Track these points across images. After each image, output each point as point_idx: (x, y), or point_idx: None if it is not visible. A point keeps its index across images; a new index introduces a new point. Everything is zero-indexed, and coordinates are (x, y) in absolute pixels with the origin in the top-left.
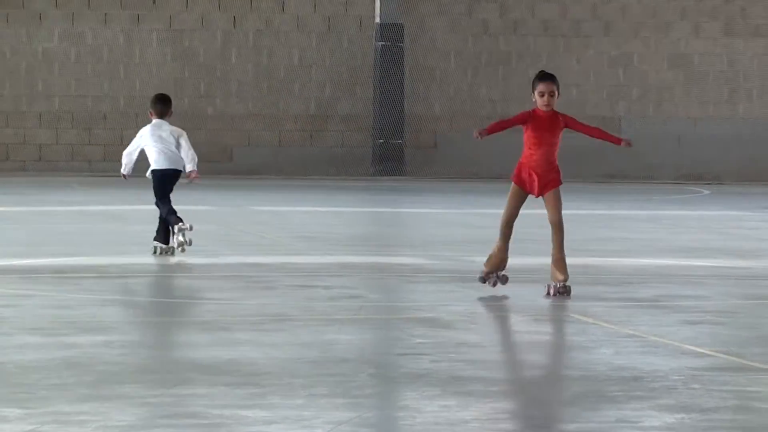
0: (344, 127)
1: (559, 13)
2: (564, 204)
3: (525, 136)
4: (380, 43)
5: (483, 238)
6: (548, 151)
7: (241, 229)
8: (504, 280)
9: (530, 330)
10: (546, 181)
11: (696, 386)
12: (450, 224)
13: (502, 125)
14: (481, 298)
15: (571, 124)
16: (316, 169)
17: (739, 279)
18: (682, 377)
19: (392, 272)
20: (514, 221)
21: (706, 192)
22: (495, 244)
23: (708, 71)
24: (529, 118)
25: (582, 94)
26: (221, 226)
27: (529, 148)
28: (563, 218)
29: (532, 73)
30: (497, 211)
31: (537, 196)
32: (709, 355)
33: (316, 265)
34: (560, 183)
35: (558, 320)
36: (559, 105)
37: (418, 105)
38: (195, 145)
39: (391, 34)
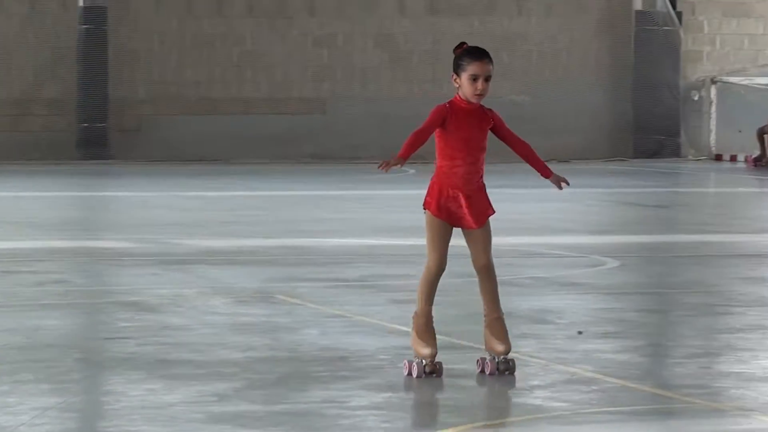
0: (48, 111)
1: None
2: (270, 185)
3: (440, 141)
4: (84, 26)
5: (187, 221)
6: (478, 160)
7: None
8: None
9: (236, 312)
10: (478, 207)
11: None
12: (154, 207)
13: (420, 138)
14: (185, 281)
15: (500, 127)
16: (20, 154)
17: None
18: (388, 356)
19: (98, 256)
20: (442, 273)
21: (412, 171)
22: (417, 316)
23: (413, 50)
24: (447, 114)
25: (286, 75)
26: None
27: (451, 158)
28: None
29: (238, 54)
30: (201, 193)
31: (477, 228)
32: None
33: (22, 251)
34: (494, 210)
35: (264, 301)
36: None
37: (122, 88)
38: None
39: (94, 16)
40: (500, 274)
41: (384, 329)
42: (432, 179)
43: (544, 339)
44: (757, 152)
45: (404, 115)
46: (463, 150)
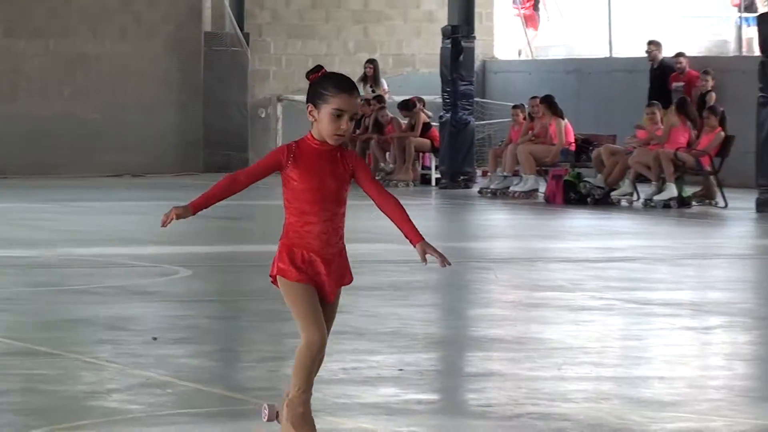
0: None
1: None
2: None
3: (286, 191)
4: None
5: None
6: (336, 215)
7: None
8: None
9: None
10: (337, 275)
11: None
12: None
13: (234, 185)
14: None
15: (361, 174)
16: None
17: (22, 267)
18: None
19: None
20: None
21: None
22: (291, 404)
23: None
24: (286, 158)
25: None
26: None
27: (302, 214)
28: None
29: None
30: None
31: (331, 302)
32: None
33: None
34: (352, 277)
35: None
36: None
37: None
38: None
39: None
40: (78, 284)
41: None
42: (280, 240)
43: (121, 345)
44: None
45: None
46: (317, 203)
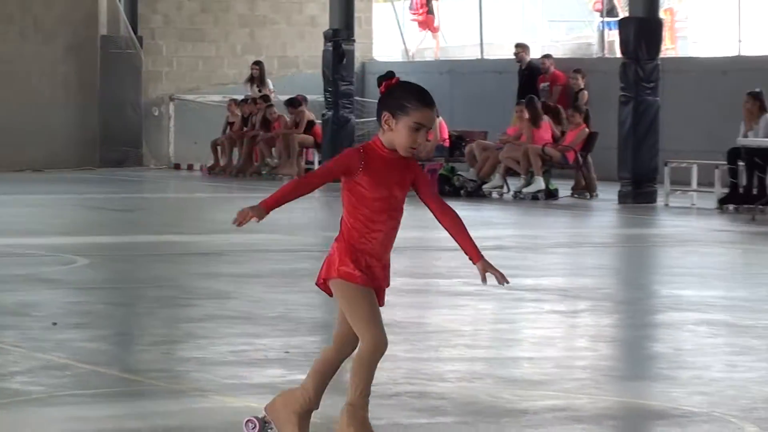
0: None
1: None
2: None
3: (352, 197)
4: None
5: None
6: (399, 223)
7: None
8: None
9: None
10: (387, 280)
11: None
12: None
13: (302, 187)
14: None
15: (422, 183)
16: None
17: None
18: None
19: None
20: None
21: None
22: (353, 409)
23: None
24: (357, 163)
25: None
26: None
27: (369, 222)
28: None
29: None
30: None
31: (381, 306)
32: None
33: None
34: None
35: None
36: None
37: None
38: None
39: None
40: None
41: None
42: (337, 244)
43: (23, 330)
44: (211, 162)
45: None
46: (384, 212)
